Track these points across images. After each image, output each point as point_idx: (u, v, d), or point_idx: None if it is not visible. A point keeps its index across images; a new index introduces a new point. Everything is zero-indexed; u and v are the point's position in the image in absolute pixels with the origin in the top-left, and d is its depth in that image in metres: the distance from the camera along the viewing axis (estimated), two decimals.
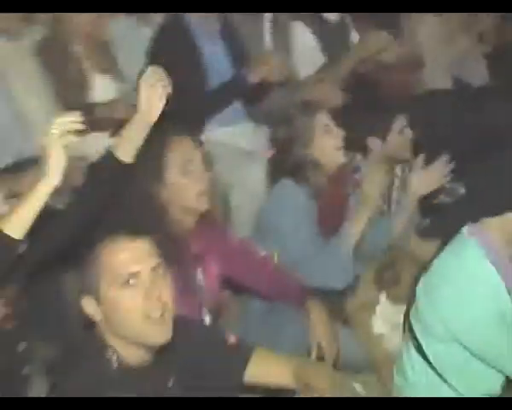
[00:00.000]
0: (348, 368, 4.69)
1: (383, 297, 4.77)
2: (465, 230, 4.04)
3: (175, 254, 3.83)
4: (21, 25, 6.27)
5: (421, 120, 6.98)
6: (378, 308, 4.75)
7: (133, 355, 3.10)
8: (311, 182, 4.84)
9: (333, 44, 6.99)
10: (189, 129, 5.60)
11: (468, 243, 4.00)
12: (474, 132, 6.28)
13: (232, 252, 4.42)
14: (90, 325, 3.10)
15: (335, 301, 4.82)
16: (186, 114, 5.54)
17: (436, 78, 7.85)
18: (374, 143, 5.45)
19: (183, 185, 3.98)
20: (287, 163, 4.92)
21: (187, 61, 5.91)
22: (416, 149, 5.75)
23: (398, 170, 5.71)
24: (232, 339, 3.65)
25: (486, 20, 8.25)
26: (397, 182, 5.66)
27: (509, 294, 3.96)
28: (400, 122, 5.46)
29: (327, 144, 4.90)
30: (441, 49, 8.00)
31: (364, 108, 5.67)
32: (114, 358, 3.04)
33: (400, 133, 5.45)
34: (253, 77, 5.81)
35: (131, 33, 6.27)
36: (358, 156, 5.52)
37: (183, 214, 4.04)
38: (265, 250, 4.69)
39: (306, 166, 4.84)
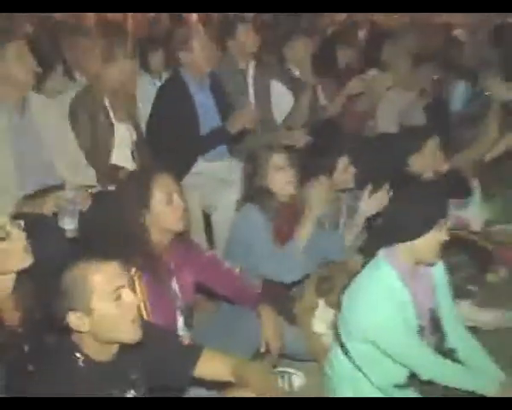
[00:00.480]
0: (294, 358, 4.87)
1: (322, 303, 4.81)
2: (381, 252, 4.04)
3: (154, 266, 4.01)
4: (63, 82, 6.45)
5: (370, 156, 7.05)
6: (317, 312, 4.78)
7: (104, 353, 3.13)
8: (268, 207, 4.96)
9: (303, 97, 7.01)
10: (183, 164, 5.82)
11: (382, 264, 3.99)
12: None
13: (203, 264, 4.44)
14: (65, 332, 3.09)
15: (285, 305, 4.90)
16: (181, 152, 5.87)
17: (385, 124, 7.81)
18: (322, 179, 5.40)
19: (165, 213, 4.01)
20: (251, 191, 5.05)
21: (183, 111, 6.01)
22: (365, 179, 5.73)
23: (345, 197, 5.73)
24: (186, 340, 3.71)
25: (426, 79, 8.23)
26: (344, 207, 5.70)
27: (415, 307, 3.98)
28: (343, 161, 5.44)
29: (279, 179, 5.01)
30: (390, 102, 7.95)
31: (321, 149, 5.58)
32: (81, 358, 3.07)
33: (345, 170, 5.45)
34: (236, 126, 5.90)
35: (150, 88, 6.25)
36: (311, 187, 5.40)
37: (163, 234, 4.07)
38: (237, 257, 4.89)
39: (264, 195, 4.97)
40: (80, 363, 3.06)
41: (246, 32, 6.66)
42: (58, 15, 15.10)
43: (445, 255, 5.50)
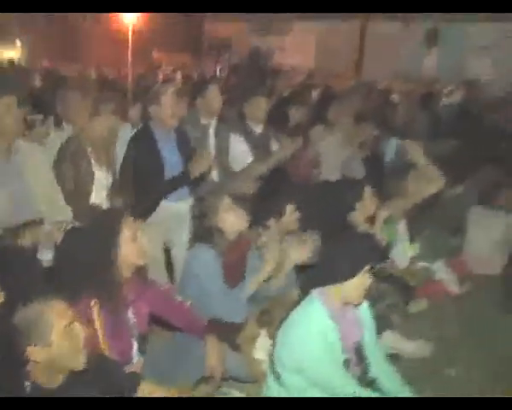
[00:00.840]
0: (237, 380, 4.66)
1: (263, 332, 4.59)
2: (314, 292, 3.84)
3: (114, 297, 3.84)
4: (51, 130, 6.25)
5: (314, 202, 6.88)
6: (258, 341, 4.56)
7: (52, 380, 2.97)
8: (218, 245, 4.75)
9: (258, 149, 6.82)
10: (149, 205, 5.72)
11: (314, 303, 3.81)
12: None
13: (157, 297, 4.24)
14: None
15: (231, 335, 4.61)
16: (147, 194, 5.69)
17: (329, 173, 7.63)
18: (271, 222, 5.25)
19: (130, 248, 3.86)
20: (202, 230, 4.85)
21: (150, 159, 5.80)
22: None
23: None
24: (131, 368, 3.60)
25: (366, 133, 8.13)
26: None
27: (342, 341, 3.80)
28: (290, 208, 5.26)
29: (229, 218, 4.82)
30: (334, 154, 7.78)
31: (271, 194, 5.43)
32: (29, 385, 2.92)
33: (291, 215, 5.27)
34: (195, 171, 5.68)
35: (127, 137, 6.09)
36: (261, 229, 5.27)
37: (126, 268, 3.89)
38: (189, 293, 4.62)
39: (214, 234, 4.77)
40: (28, 390, 2.90)
41: (214, 91, 6.51)
42: (63, 69, 15.15)
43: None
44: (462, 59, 23.61)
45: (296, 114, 7.69)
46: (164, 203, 5.82)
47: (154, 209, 5.81)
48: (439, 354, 5.42)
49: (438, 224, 6.64)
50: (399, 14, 23.41)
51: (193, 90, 7.28)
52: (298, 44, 28.07)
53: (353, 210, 5.86)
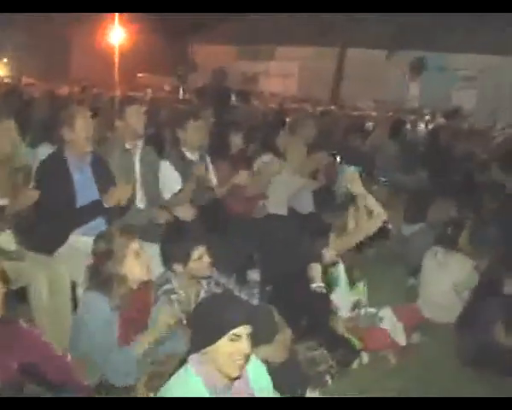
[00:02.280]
0: None
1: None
2: (190, 359, 3.14)
3: None
4: None
5: (259, 237, 6.28)
6: None
7: None
8: (117, 294, 4.05)
9: (191, 177, 6.20)
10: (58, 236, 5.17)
11: (189, 371, 3.13)
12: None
13: (32, 347, 3.68)
14: None
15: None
16: (57, 225, 5.15)
17: (276, 206, 6.99)
18: (177, 267, 4.58)
19: None
20: (100, 276, 4.10)
21: (61, 186, 5.25)
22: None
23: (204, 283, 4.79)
24: None
25: (320, 161, 7.54)
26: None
27: None
28: (198, 252, 4.53)
29: (135, 266, 4.14)
30: (281, 187, 7.16)
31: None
32: None
33: (199, 260, 4.53)
34: (110, 201, 5.16)
35: None
36: (169, 273, 4.65)
37: None
38: (79, 346, 4.07)
39: (114, 280, 4.06)
40: None
41: (133, 113, 5.88)
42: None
43: (305, 350, 4.80)
44: (445, 89, 23.34)
45: (238, 142, 6.99)
46: (77, 236, 5.24)
47: (64, 242, 5.24)
48: None
49: (389, 264, 5.91)
50: (385, 42, 23.20)
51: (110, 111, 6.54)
52: (281, 70, 27.87)
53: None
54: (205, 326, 3.07)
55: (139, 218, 5.70)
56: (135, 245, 4.15)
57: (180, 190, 6.12)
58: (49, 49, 27.05)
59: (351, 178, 5.51)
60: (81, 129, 5.22)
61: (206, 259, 4.59)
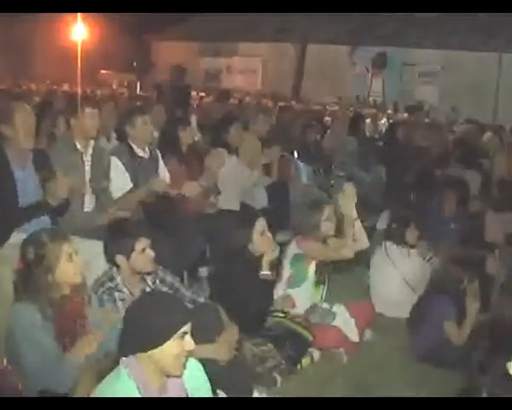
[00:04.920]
0: None
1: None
2: (122, 361, 2.99)
3: None
4: None
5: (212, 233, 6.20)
6: None
7: None
8: (49, 303, 3.83)
9: (142, 174, 6.14)
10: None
11: (122, 374, 2.97)
12: None
13: None
14: None
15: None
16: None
17: (227, 202, 6.90)
18: (120, 259, 4.45)
19: None
20: (31, 281, 3.85)
21: (2, 180, 5.05)
22: None
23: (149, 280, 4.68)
24: None
25: (273, 155, 7.49)
26: None
27: None
28: (141, 243, 4.43)
29: (68, 270, 3.90)
30: (233, 182, 7.11)
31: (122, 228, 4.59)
32: None
33: (142, 252, 4.43)
34: (49, 196, 5.06)
35: None
36: (113, 270, 4.54)
37: None
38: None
39: (46, 289, 3.83)
40: None
41: (91, 115, 5.78)
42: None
43: (252, 346, 4.71)
44: (408, 84, 23.43)
45: (188, 138, 6.87)
46: (17, 234, 4.95)
47: (5, 240, 5.02)
48: None
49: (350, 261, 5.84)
50: (347, 38, 23.24)
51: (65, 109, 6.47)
52: (245, 66, 27.81)
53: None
54: (142, 327, 2.93)
55: (84, 219, 5.63)
56: (67, 248, 3.92)
57: (130, 191, 6.04)
58: (12, 47, 26.69)
59: (348, 196, 5.38)
60: (20, 125, 5.06)
61: (150, 252, 4.48)
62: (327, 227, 5.66)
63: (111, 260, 4.54)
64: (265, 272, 5.12)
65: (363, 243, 5.55)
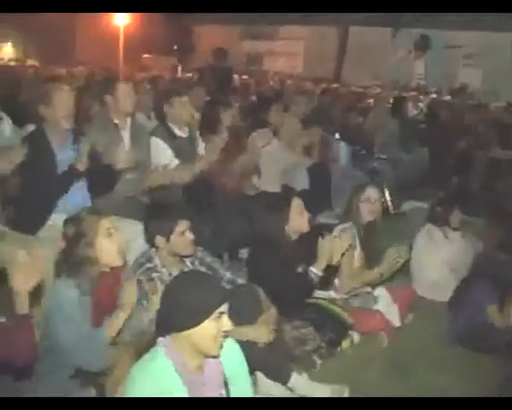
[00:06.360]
0: None
1: None
2: (159, 341, 2.96)
3: None
4: None
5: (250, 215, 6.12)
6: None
7: None
8: (87, 278, 3.79)
9: (181, 154, 6.14)
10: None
11: (159, 354, 2.93)
12: None
13: None
14: None
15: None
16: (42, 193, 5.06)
17: (268, 183, 6.85)
18: (159, 240, 4.40)
19: None
20: (72, 258, 3.80)
21: (44, 159, 5.10)
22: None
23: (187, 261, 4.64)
24: None
25: (314, 136, 7.38)
26: None
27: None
28: (181, 226, 4.37)
29: (107, 247, 3.84)
30: (274, 163, 7.04)
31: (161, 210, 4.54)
32: None
33: (182, 235, 4.38)
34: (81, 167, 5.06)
35: None
36: (152, 251, 4.51)
37: None
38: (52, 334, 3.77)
39: (87, 264, 3.78)
40: None
41: (124, 90, 5.74)
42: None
43: (294, 328, 4.64)
44: (451, 67, 23.03)
45: (229, 118, 6.81)
46: (56, 216, 5.02)
47: (45, 221, 5.10)
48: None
49: (389, 241, 5.73)
50: (389, 20, 22.92)
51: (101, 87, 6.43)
52: (286, 49, 27.62)
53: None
54: (179, 307, 2.88)
55: (123, 198, 5.60)
56: (105, 224, 3.88)
57: (170, 168, 6.01)
58: (55, 33, 26.82)
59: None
60: (59, 106, 5.06)
61: (189, 235, 4.42)
62: (366, 210, 5.53)
63: (150, 240, 4.49)
64: (315, 270, 4.95)
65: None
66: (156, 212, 4.58)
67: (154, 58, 26.56)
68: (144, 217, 4.64)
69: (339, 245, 4.95)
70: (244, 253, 6.06)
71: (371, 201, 5.54)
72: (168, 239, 4.40)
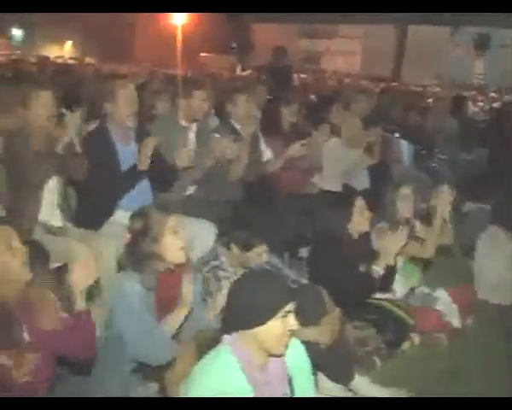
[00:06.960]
0: None
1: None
2: (224, 339, 2.96)
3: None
4: None
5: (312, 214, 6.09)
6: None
7: None
8: (152, 274, 3.81)
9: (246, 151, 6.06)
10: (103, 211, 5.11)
11: (224, 351, 2.93)
12: None
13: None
14: None
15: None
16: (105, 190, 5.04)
17: (329, 182, 6.85)
18: (235, 249, 4.58)
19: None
20: (137, 255, 3.82)
21: (107, 156, 5.12)
22: None
23: None
24: None
25: (375, 135, 7.31)
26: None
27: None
28: (260, 248, 4.62)
29: (172, 244, 3.82)
30: (335, 162, 7.00)
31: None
32: None
33: (259, 256, 4.63)
34: (142, 167, 5.01)
35: None
36: (219, 250, 4.63)
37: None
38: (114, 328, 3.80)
39: (151, 259, 3.79)
40: None
41: (199, 98, 5.81)
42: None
43: (356, 328, 4.61)
44: (509, 65, 22.66)
45: (290, 117, 6.80)
46: (122, 212, 4.99)
47: (108, 217, 5.11)
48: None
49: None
50: (449, 19, 22.62)
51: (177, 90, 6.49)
52: (344, 47, 27.55)
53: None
54: (245, 305, 2.87)
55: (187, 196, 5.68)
56: (172, 222, 3.88)
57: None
58: (114, 32, 27.13)
59: (443, 199, 5.28)
60: (124, 103, 5.07)
61: (265, 257, 4.53)
62: (404, 207, 5.47)
63: (226, 245, 4.59)
64: (377, 268, 4.91)
65: (448, 239, 5.45)
66: (234, 220, 4.63)
67: (212, 57, 26.68)
68: (225, 221, 4.85)
69: (397, 242, 4.91)
70: (304, 252, 6.03)
71: (408, 199, 5.48)
72: (244, 252, 4.47)
